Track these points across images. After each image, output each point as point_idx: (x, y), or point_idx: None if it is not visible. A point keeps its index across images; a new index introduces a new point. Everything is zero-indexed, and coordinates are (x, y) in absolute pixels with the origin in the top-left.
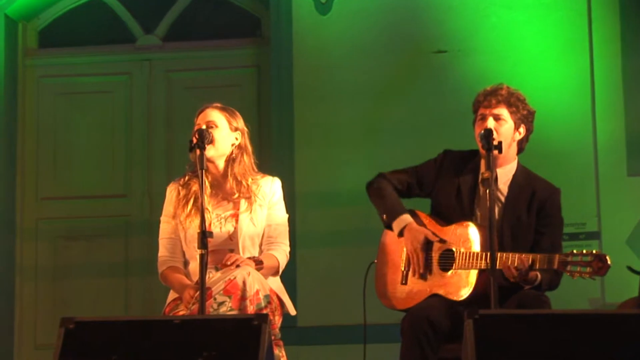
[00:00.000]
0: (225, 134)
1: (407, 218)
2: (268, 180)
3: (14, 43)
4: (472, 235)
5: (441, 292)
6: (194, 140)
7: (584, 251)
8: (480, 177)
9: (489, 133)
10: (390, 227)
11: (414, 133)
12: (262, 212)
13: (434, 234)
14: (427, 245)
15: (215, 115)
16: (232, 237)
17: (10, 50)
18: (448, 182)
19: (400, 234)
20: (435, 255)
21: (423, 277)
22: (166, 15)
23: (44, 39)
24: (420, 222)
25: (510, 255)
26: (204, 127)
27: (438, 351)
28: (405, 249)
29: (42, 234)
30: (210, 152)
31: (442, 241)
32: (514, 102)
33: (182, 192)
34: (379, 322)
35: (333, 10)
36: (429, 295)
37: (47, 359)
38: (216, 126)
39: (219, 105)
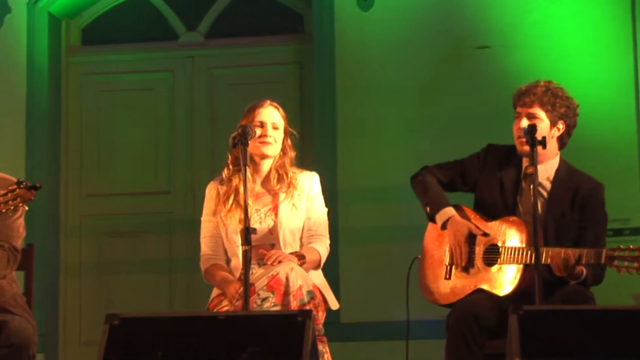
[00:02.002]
0: (283, 135)
1: (450, 211)
2: (306, 175)
3: (58, 41)
4: (516, 231)
5: (486, 287)
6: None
7: (631, 246)
8: (523, 172)
9: (533, 128)
10: (433, 220)
11: (456, 129)
12: (301, 204)
13: (477, 227)
14: (471, 238)
15: (278, 117)
16: (273, 231)
17: (54, 48)
18: (491, 176)
19: (444, 226)
20: (479, 250)
21: (466, 271)
22: (208, 12)
23: (87, 36)
24: (465, 217)
25: (557, 249)
26: (269, 127)
27: (483, 347)
28: (448, 243)
29: (86, 230)
30: (270, 151)
31: (485, 235)
32: (548, 100)
33: (223, 189)
34: (422, 318)
35: (375, 7)
36: (473, 290)
37: (92, 355)
38: (279, 128)
39: (276, 103)
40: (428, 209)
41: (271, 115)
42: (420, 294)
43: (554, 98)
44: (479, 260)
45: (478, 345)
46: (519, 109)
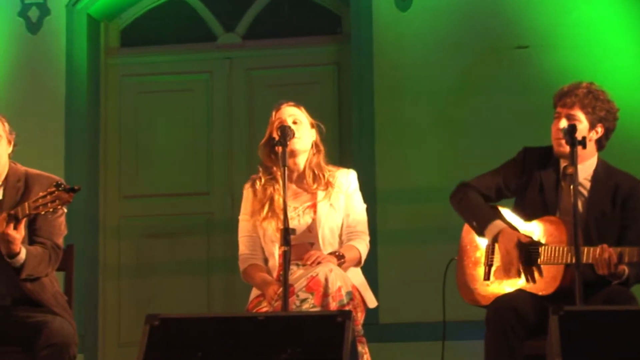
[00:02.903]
0: (307, 130)
1: (499, 224)
2: (343, 172)
3: (96, 42)
4: (556, 230)
5: (527, 287)
6: (277, 137)
7: None
8: (561, 172)
9: (573, 128)
10: (482, 235)
11: (495, 129)
12: (340, 200)
13: (528, 236)
14: (521, 247)
15: (296, 111)
16: (311, 229)
17: (93, 50)
18: (531, 178)
19: (495, 240)
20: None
21: (506, 272)
22: (246, 14)
23: (126, 38)
24: (503, 220)
25: (599, 248)
26: (290, 122)
27: (524, 342)
28: (492, 247)
29: (125, 232)
30: (297, 145)
31: (538, 243)
32: (589, 103)
33: (259, 195)
34: (461, 319)
35: (413, 7)
36: (513, 291)
37: (131, 356)
38: (300, 122)
39: (293, 103)
40: (475, 224)
41: (287, 112)
42: (458, 294)
43: (594, 101)
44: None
45: (518, 340)
46: (559, 109)
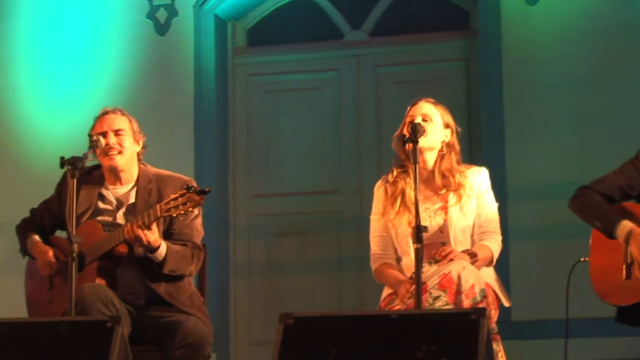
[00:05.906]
0: (438, 129)
1: (628, 224)
2: (475, 171)
3: (224, 42)
4: None
5: None
6: (407, 134)
7: None
8: None
9: None
10: (611, 236)
11: (627, 123)
12: (471, 203)
13: None
14: None
15: (430, 109)
16: (443, 230)
17: (221, 50)
18: None
19: (626, 240)
20: None
21: None
22: (373, 10)
23: (253, 37)
24: (634, 216)
25: None
26: (419, 119)
27: None
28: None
29: (255, 231)
30: (423, 142)
31: None
32: None
33: (390, 190)
34: (591, 315)
35: (542, 0)
36: None
37: (262, 354)
38: (431, 120)
39: (432, 100)
40: (600, 225)
41: (421, 109)
42: (591, 291)
43: None
44: None
45: None
46: None
